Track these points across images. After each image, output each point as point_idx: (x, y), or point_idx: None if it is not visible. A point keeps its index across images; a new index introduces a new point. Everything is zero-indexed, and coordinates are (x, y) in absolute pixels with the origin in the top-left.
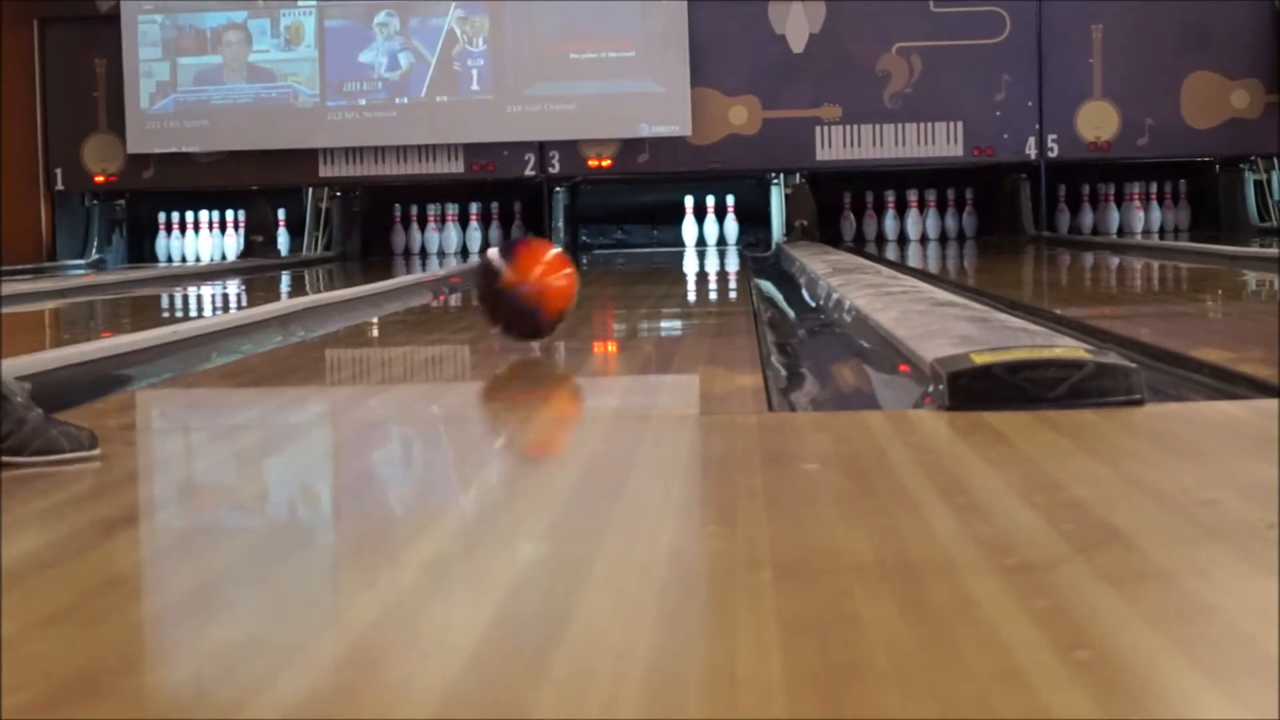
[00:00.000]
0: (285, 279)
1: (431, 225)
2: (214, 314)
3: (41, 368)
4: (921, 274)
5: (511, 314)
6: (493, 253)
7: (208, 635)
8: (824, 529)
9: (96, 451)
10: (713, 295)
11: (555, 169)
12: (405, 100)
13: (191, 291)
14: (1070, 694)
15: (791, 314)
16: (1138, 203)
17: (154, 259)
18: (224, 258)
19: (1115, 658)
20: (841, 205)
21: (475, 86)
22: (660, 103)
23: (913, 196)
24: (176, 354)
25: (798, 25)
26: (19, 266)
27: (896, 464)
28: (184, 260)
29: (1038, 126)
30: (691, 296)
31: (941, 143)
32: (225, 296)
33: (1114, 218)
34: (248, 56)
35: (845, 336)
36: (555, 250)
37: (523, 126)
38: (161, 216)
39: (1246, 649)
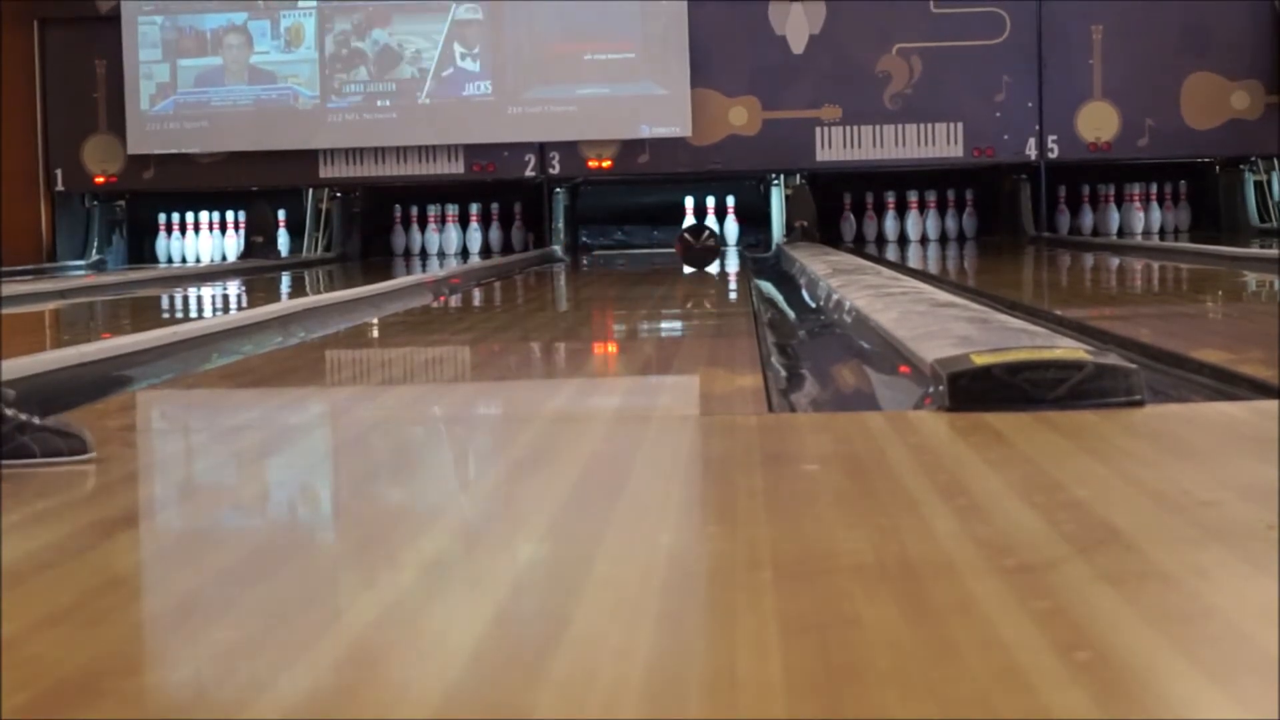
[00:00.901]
0: (285, 280)
1: (432, 226)
2: (214, 315)
3: (41, 369)
4: (921, 275)
5: (694, 258)
6: (684, 230)
7: (208, 635)
8: (824, 529)
9: (84, 456)
10: (713, 296)
11: (555, 170)
12: (405, 101)
13: (192, 292)
14: (1070, 694)
15: (791, 315)
16: (1138, 203)
17: (154, 260)
18: (224, 259)
19: (1115, 658)
20: (841, 206)
21: (475, 87)
22: (660, 104)
23: (913, 197)
24: (177, 355)
25: (798, 26)
26: (19, 267)
27: (896, 464)
28: (184, 261)
29: (1038, 127)
30: (691, 297)
31: (941, 143)
32: (225, 297)
33: (1114, 218)
34: (248, 58)
35: (845, 337)
36: (710, 228)
37: (523, 127)
38: (162, 217)
39: (1246, 649)
